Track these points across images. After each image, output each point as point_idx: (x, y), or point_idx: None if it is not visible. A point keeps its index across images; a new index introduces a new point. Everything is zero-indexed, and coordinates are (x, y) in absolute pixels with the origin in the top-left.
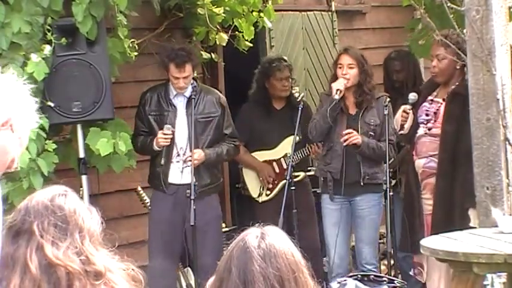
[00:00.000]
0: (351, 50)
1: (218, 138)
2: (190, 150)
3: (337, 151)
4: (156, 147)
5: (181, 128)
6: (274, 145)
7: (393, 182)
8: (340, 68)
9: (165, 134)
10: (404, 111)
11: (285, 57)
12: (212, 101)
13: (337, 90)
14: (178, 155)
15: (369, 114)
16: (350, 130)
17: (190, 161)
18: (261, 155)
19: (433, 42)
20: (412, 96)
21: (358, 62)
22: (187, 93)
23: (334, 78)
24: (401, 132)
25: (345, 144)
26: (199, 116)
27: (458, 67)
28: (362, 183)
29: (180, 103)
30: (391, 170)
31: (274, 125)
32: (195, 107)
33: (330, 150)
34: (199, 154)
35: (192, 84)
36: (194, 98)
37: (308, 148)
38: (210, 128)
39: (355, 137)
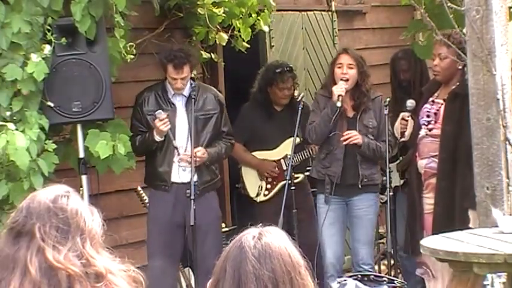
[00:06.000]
0: (350, 50)
1: (216, 135)
2: (192, 148)
3: (337, 155)
4: (157, 137)
5: (181, 127)
6: (274, 146)
7: (401, 182)
8: (339, 67)
9: (161, 120)
10: (403, 118)
11: (290, 65)
12: (211, 98)
13: (339, 96)
14: (179, 154)
15: (367, 116)
16: (350, 131)
17: (191, 160)
18: (261, 156)
19: (435, 42)
20: (410, 103)
21: (358, 62)
22: (186, 92)
23: (331, 78)
24: (403, 139)
25: (345, 143)
26: (199, 114)
27: (460, 67)
28: (360, 186)
29: (178, 102)
30: (399, 170)
31: (275, 126)
32: (194, 105)
33: (330, 153)
34: (202, 152)
35: (191, 84)
36: (194, 98)
37: (310, 149)
38: (209, 125)
39: (356, 137)
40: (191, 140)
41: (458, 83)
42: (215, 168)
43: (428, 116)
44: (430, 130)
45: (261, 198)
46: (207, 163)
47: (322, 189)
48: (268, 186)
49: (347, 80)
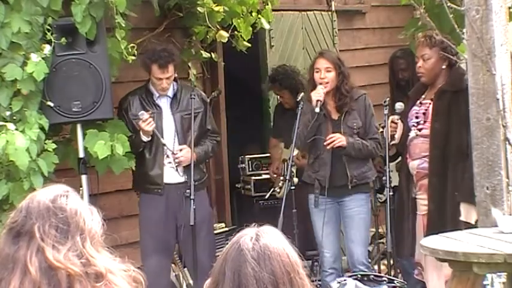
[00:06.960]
0: (326, 53)
1: (202, 133)
2: (192, 147)
3: (324, 159)
4: (144, 138)
5: (167, 128)
6: (288, 145)
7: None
8: (317, 72)
9: (145, 121)
10: (392, 121)
11: (282, 70)
12: (195, 97)
13: (317, 101)
14: (168, 156)
15: (351, 117)
16: (333, 134)
17: (180, 161)
18: (284, 153)
19: (418, 43)
20: (399, 106)
21: (335, 64)
22: (170, 93)
23: (312, 83)
24: (393, 142)
25: (328, 147)
26: (184, 113)
27: (444, 67)
28: (350, 187)
29: (164, 104)
30: (398, 170)
31: (288, 124)
32: (178, 105)
33: (318, 158)
34: (187, 151)
35: (173, 85)
36: (194, 98)
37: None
38: (194, 125)
39: (339, 140)
40: (185, 139)
41: (444, 82)
42: (202, 167)
43: (417, 117)
44: (420, 130)
45: (279, 194)
46: (195, 162)
47: (313, 191)
48: (280, 184)
49: (326, 83)
